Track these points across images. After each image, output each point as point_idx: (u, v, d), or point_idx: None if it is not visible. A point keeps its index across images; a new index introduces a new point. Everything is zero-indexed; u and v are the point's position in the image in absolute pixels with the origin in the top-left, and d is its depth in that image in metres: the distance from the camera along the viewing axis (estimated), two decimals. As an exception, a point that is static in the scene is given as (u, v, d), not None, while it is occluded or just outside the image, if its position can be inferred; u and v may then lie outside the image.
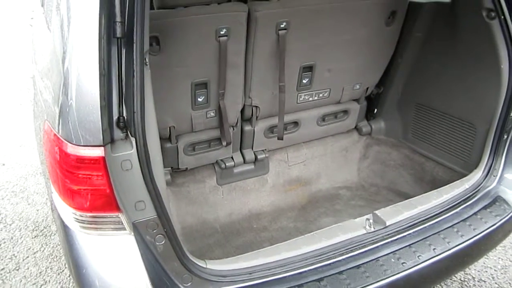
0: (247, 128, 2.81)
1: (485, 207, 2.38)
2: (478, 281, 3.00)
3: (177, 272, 1.74)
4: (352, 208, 3.06)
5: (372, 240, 2.06)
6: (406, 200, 2.33)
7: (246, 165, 2.96)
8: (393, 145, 3.25)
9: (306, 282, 1.88)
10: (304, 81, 2.74)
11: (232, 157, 2.88)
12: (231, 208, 2.98)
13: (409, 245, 2.09)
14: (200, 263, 1.84)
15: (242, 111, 2.73)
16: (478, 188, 2.44)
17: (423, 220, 2.20)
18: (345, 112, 3.14)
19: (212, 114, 2.58)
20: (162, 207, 1.69)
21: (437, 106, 2.87)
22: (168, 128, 2.52)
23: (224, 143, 2.68)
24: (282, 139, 2.77)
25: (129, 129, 1.55)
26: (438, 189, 2.42)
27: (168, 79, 2.31)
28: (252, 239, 2.80)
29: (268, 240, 2.78)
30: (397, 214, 2.19)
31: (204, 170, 2.88)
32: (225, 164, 2.84)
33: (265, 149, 2.99)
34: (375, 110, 3.36)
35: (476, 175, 2.49)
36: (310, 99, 2.87)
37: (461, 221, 2.27)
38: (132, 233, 1.69)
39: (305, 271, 1.93)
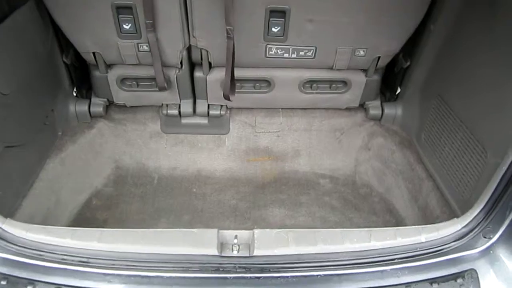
0: (198, 74, 2.26)
1: (445, 278, 1.57)
2: None
3: None
4: (319, 207, 2.39)
5: (220, 267, 1.49)
6: (332, 230, 1.64)
7: (198, 118, 2.46)
8: (400, 143, 2.37)
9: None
10: (274, 30, 2.03)
11: (179, 105, 2.40)
12: (177, 162, 2.55)
13: (273, 293, 1.48)
14: None
15: (190, 52, 2.18)
16: (454, 244, 1.60)
17: (321, 266, 1.52)
18: (344, 83, 2.33)
19: (146, 48, 2.09)
20: None
21: (455, 108, 1.92)
22: (92, 54, 2.12)
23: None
24: (228, 98, 2.17)
25: None
26: (399, 228, 1.66)
27: None
28: (180, 204, 2.39)
29: (194, 212, 2.34)
30: (284, 243, 1.54)
31: (147, 112, 2.47)
32: (167, 111, 2.38)
33: (225, 106, 2.42)
34: (398, 90, 2.45)
35: (459, 225, 1.63)
36: (286, 55, 2.15)
37: (392, 285, 1.53)
38: None
39: (116, 274, 1.49)
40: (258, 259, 1.51)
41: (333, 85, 2.34)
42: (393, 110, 2.44)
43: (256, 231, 1.59)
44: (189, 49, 2.16)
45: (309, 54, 2.14)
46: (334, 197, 2.47)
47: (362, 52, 2.14)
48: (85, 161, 2.35)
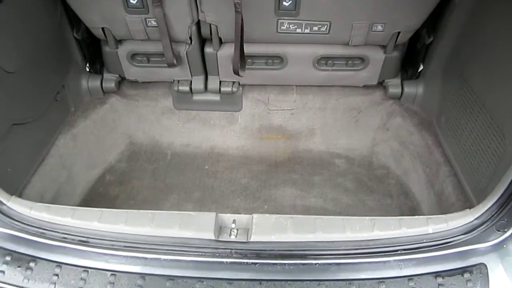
0: (209, 50, 2.20)
1: (452, 272, 1.49)
2: None
3: None
4: (332, 188, 2.33)
5: (216, 252, 1.48)
6: (333, 217, 1.58)
7: (210, 94, 2.41)
8: (420, 124, 2.24)
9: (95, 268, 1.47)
10: (286, 4, 1.92)
11: (191, 81, 2.35)
12: (190, 138, 2.54)
13: (269, 280, 1.45)
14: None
15: (199, 28, 2.11)
16: (464, 237, 1.51)
17: (319, 255, 1.48)
18: (361, 60, 2.21)
19: (154, 23, 2.03)
20: None
21: (477, 90, 1.77)
22: (101, 29, 2.09)
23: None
24: (237, 73, 2.10)
25: None
26: (404, 217, 1.58)
27: None
28: (191, 181, 2.38)
29: (205, 189, 2.34)
30: (282, 229, 1.51)
31: (159, 87, 2.44)
32: (178, 88, 2.34)
33: (237, 82, 2.36)
34: (420, 67, 2.30)
35: (471, 216, 1.53)
36: (299, 30, 2.04)
37: (393, 278, 1.47)
38: None
39: (114, 254, 1.50)
40: (255, 245, 1.48)
41: (350, 62, 2.21)
42: (414, 89, 2.30)
43: (255, 215, 1.56)
44: (198, 24, 2.10)
45: (323, 29, 2.03)
46: (349, 178, 2.39)
47: (380, 27, 2.00)
48: (98, 136, 2.37)
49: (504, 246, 1.50)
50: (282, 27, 2.04)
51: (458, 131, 1.91)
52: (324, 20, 1.99)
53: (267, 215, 1.57)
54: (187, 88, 2.34)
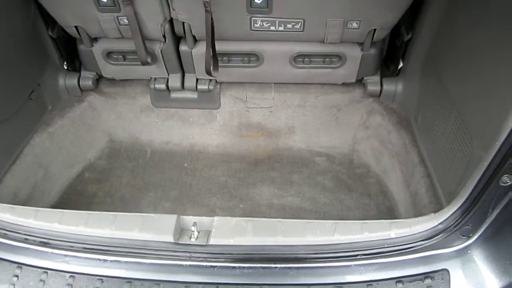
0: (184, 48, 2.17)
1: (413, 278, 1.47)
2: None
3: None
4: (310, 186, 2.30)
5: (175, 255, 1.47)
6: (295, 221, 1.56)
7: (187, 92, 2.39)
8: (398, 123, 2.20)
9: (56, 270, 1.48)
10: (258, 1, 1.88)
11: (167, 79, 2.33)
12: (169, 136, 2.52)
13: (226, 284, 1.44)
14: None
15: (173, 26, 2.08)
16: (427, 242, 1.48)
17: (279, 259, 1.46)
18: (339, 57, 2.16)
19: (126, 21, 2.01)
20: None
21: (449, 89, 1.72)
22: (75, 28, 2.08)
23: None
24: (210, 74, 2.08)
25: None
26: (367, 221, 1.55)
27: None
28: (170, 179, 2.38)
29: (183, 187, 2.33)
30: (242, 232, 1.49)
31: (137, 85, 2.43)
32: (154, 86, 2.33)
33: (214, 80, 2.33)
34: (400, 64, 2.25)
35: (435, 221, 1.50)
36: (273, 28, 2.00)
37: (353, 283, 1.45)
38: None
39: (74, 256, 1.51)
40: (214, 248, 1.48)
41: (327, 60, 2.17)
42: (393, 87, 2.26)
43: (216, 218, 1.55)
44: (172, 22, 2.07)
45: (297, 26, 1.99)
46: (328, 177, 2.36)
47: (355, 25, 1.96)
48: (77, 134, 2.37)
49: (469, 251, 1.48)
50: (255, 25, 2.00)
51: (433, 131, 1.87)
52: (298, 18, 1.95)
53: (228, 218, 1.56)
54: (163, 86, 2.32)
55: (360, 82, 2.33)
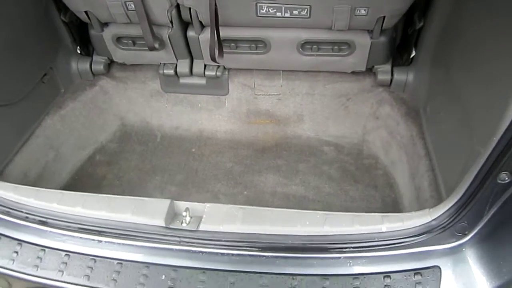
0: (191, 34, 2.17)
1: (402, 273, 1.43)
2: None
3: None
4: (316, 176, 2.28)
5: (165, 239, 1.49)
6: (286, 210, 1.56)
7: (196, 78, 2.39)
8: (407, 114, 2.12)
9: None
10: (262, -14, 1.86)
11: (176, 65, 2.34)
12: (179, 121, 2.55)
13: (212, 270, 1.45)
14: None
15: (180, 12, 2.08)
16: (419, 238, 1.44)
17: (269, 247, 1.46)
18: (347, 45, 2.10)
19: (133, 6, 2.03)
20: None
21: (455, 80, 1.65)
22: (85, 13, 2.12)
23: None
24: (214, 59, 2.07)
25: None
26: (359, 214, 1.53)
27: None
28: (177, 163, 2.41)
29: (189, 172, 2.36)
30: (232, 219, 1.50)
31: (147, 70, 2.45)
32: (163, 71, 2.35)
33: (222, 66, 2.32)
34: (412, 53, 2.17)
35: (429, 217, 1.45)
36: (279, 14, 1.97)
37: (339, 275, 1.44)
38: None
39: (71, 235, 1.56)
40: (203, 234, 1.49)
41: (335, 47, 2.12)
42: (404, 76, 2.18)
43: (208, 205, 1.56)
44: (179, 8, 2.07)
45: (304, 13, 1.94)
46: (334, 167, 2.33)
47: (363, 11, 1.89)
48: (88, 117, 2.43)
49: (463, 249, 1.42)
50: (261, 11, 1.97)
51: (438, 123, 1.81)
52: (304, 4, 1.91)
53: (220, 204, 1.57)
54: (172, 72, 2.34)
55: (370, 71, 2.26)
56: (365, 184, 2.23)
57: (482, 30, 1.46)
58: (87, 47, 2.48)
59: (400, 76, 2.19)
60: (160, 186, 2.30)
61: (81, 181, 2.32)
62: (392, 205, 2.11)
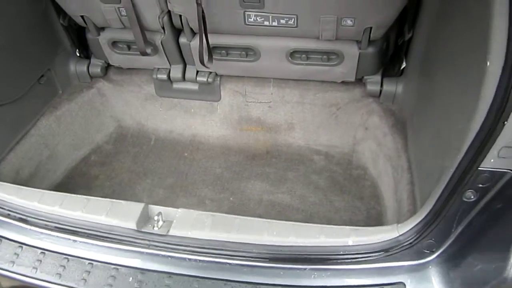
0: (183, 40, 2.21)
1: None
2: None
3: None
4: (303, 185, 2.29)
5: (135, 242, 1.53)
6: (254, 219, 1.57)
7: (189, 83, 2.42)
8: (394, 125, 2.10)
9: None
10: (249, -5, 1.88)
11: (169, 70, 2.38)
12: (173, 125, 2.59)
13: (178, 274, 1.48)
14: None
15: (171, 18, 2.12)
16: (384, 253, 1.43)
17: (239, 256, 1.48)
18: (336, 55, 2.10)
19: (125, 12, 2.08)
20: None
21: (435, 92, 1.63)
22: (81, 17, 2.18)
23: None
24: (203, 63, 2.10)
25: None
26: (328, 226, 1.53)
27: None
28: (168, 167, 2.45)
29: (179, 176, 2.40)
30: (201, 226, 1.52)
31: (143, 74, 2.49)
32: (156, 75, 2.39)
33: (214, 73, 2.35)
34: (403, 64, 2.15)
35: (397, 232, 1.44)
36: (267, 23, 1.98)
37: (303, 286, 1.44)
38: None
39: (48, 234, 1.61)
40: (172, 239, 1.52)
41: (324, 57, 2.12)
42: (393, 87, 2.16)
43: (179, 210, 1.59)
44: (170, 14, 2.11)
45: (291, 22, 1.96)
46: (323, 176, 2.32)
47: (349, 22, 1.89)
48: (85, 118, 2.50)
49: (429, 267, 1.41)
50: (249, 19, 1.99)
51: (419, 136, 1.79)
52: (291, 14, 1.92)
53: (191, 210, 1.60)
54: (165, 77, 2.38)
55: (360, 81, 2.25)
56: (351, 195, 2.22)
57: (458, 42, 1.44)
58: (86, 50, 2.55)
59: (390, 87, 2.17)
60: (150, 188, 2.34)
61: (74, 180, 2.38)
62: (376, 218, 2.10)
